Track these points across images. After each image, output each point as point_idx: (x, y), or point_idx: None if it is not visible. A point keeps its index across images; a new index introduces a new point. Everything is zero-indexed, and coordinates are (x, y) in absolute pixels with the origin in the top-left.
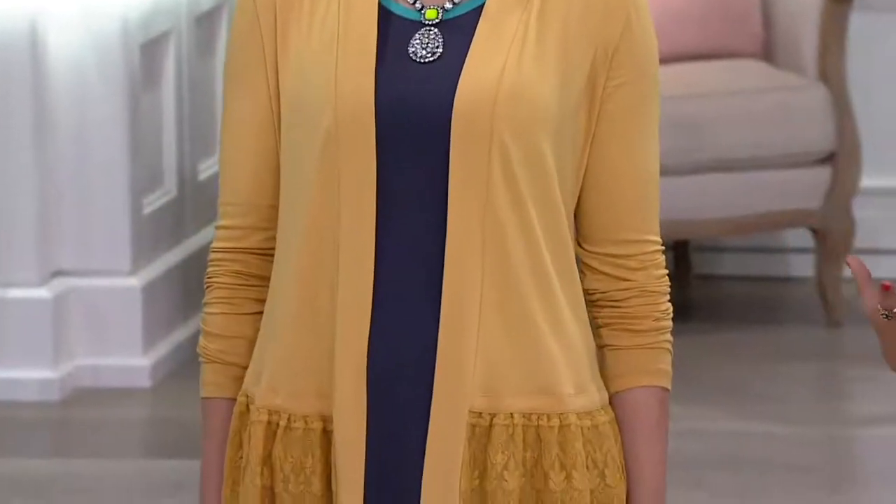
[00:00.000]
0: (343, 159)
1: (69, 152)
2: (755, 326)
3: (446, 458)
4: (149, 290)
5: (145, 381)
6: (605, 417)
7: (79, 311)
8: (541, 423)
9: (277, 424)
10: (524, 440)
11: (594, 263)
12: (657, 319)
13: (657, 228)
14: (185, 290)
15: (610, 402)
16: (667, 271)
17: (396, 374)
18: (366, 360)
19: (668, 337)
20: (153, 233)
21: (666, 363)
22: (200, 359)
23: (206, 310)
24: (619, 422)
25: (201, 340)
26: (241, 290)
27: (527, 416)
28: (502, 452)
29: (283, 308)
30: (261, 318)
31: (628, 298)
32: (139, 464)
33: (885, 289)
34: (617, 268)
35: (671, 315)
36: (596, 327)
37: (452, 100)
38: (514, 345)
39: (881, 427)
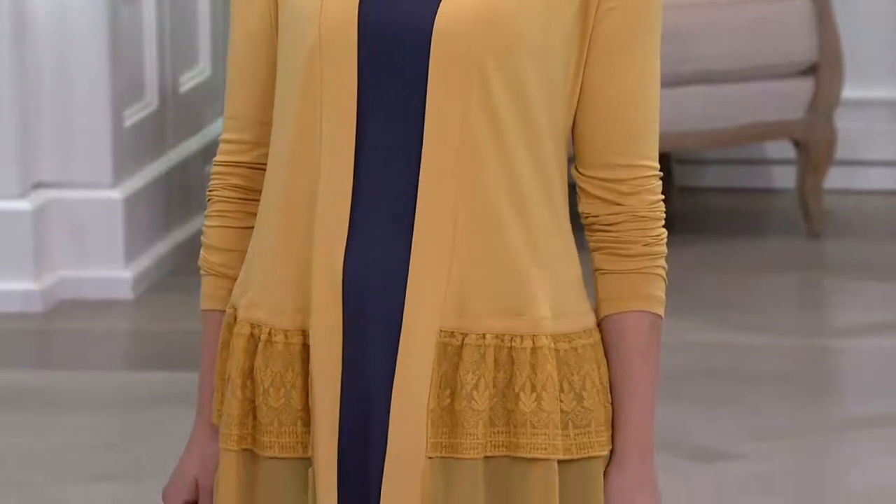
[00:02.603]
0: (325, 75)
1: (49, 64)
2: (737, 238)
3: (415, 376)
4: (130, 202)
5: (127, 294)
6: (585, 340)
7: (60, 223)
8: (513, 344)
9: (259, 338)
10: (495, 361)
11: (587, 187)
12: (648, 244)
13: (653, 154)
14: (166, 202)
15: (601, 326)
16: (662, 197)
17: (370, 290)
18: (341, 275)
19: (662, 263)
20: (134, 145)
21: (658, 289)
22: (201, 271)
23: (207, 223)
24: (608, 345)
25: (202, 253)
26: (241, 203)
27: (499, 336)
28: (473, 372)
29: (268, 222)
30: None
31: (619, 223)
32: (122, 376)
33: None
34: (609, 192)
35: (665, 241)
36: (590, 252)
37: (433, 21)
38: (488, 265)
39: (860, 338)
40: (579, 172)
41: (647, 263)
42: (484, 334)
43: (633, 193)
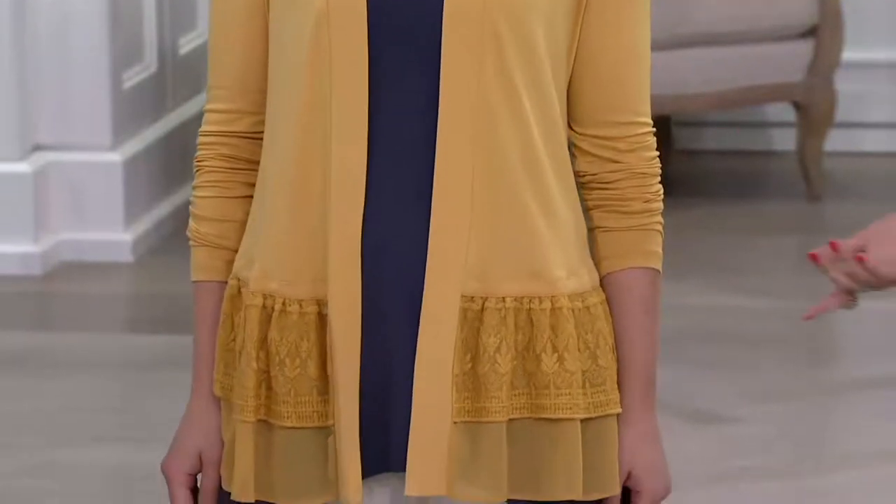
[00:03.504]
0: (335, 40)
1: (49, 27)
2: (736, 201)
3: (439, 342)
4: (130, 164)
5: (127, 256)
6: (595, 299)
7: (59, 186)
8: (532, 306)
9: (272, 308)
10: (516, 323)
11: (584, 146)
12: (647, 201)
13: (647, 110)
14: (166, 165)
15: (602, 284)
16: (657, 153)
17: (389, 257)
18: (359, 243)
19: (659, 219)
20: (134, 108)
21: (657, 245)
22: (191, 242)
23: (196, 193)
24: (611, 301)
25: (191, 224)
26: (231, 173)
27: (518, 299)
28: (494, 336)
29: (276, 194)
30: (250, 203)
31: (618, 180)
32: (121, 339)
33: (859, 259)
34: (606, 150)
35: (662, 197)
36: (587, 209)
37: None
38: (506, 229)
39: (861, 299)
40: (576, 132)
41: (646, 220)
42: (504, 297)
43: (631, 150)
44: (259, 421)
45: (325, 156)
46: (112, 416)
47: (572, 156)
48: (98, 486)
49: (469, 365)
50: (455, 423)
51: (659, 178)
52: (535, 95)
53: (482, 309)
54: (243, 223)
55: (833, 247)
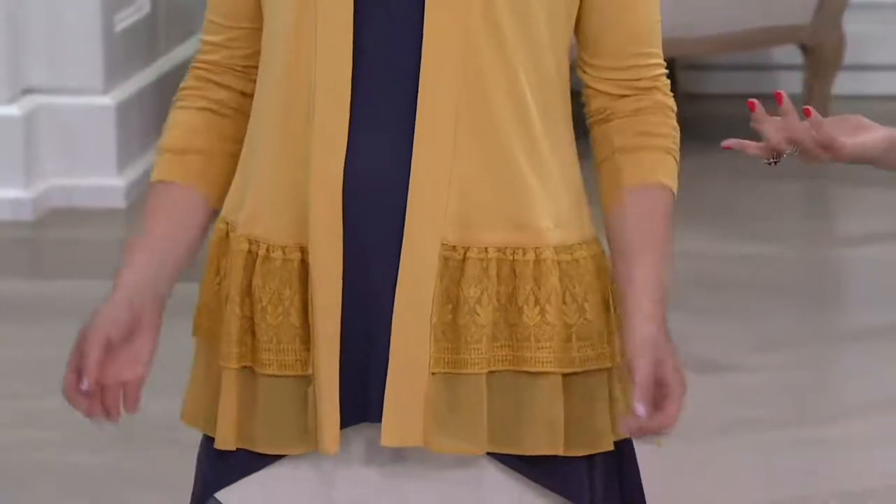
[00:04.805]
0: None
1: None
2: None
3: (417, 291)
4: (123, 108)
5: (120, 202)
6: (585, 252)
7: (51, 130)
8: (516, 257)
9: (256, 254)
10: (498, 274)
11: (603, 87)
12: (669, 134)
13: (660, 51)
14: (159, 108)
15: (623, 198)
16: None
17: (371, 202)
18: (341, 187)
19: (678, 150)
20: (126, 51)
21: (675, 172)
22: (156, 154)
23: (175, 109)
24: (630, 211)
25: (161, 139)
26: (213, 95)
27: (501, 250)
28: (475, 286)
29: (263, 138)
30: (228, 123)
31: (642, 114)
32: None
33: (807, 113)
34: (628, 89)
35: (678, 135)
36: (605, 138)
37: None
38: (490, 177)
39: (865, 246)
40: (593, 75)
41: (671, 145)
42: (486, 248)
43: (653, 88)
44: (244, 368)
45: (309, 99)
46: None
47: (589, 97)
48: (84, 435)
49: (450, 316)
50: (433, 373)
51: (675, 118)
52: (525, 46)
53: (464, 259)
54: (217, 138)
55: (778, 97)
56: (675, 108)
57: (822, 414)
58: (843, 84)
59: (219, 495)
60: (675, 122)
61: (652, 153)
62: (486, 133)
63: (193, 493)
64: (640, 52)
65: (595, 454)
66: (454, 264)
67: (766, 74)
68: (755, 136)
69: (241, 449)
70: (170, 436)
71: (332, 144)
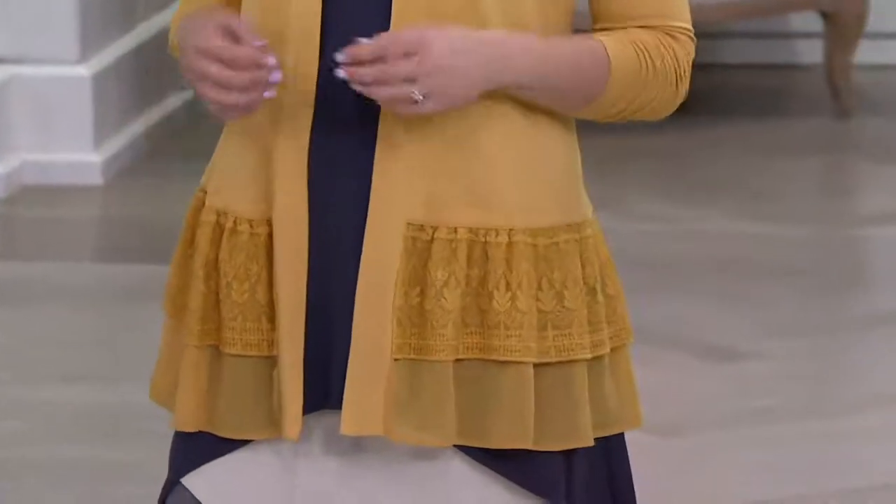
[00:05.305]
0: None
1: None
2: (757, 118)
3: (380, 271)
4: (99, 79)
5: (97, 178)
6: (570, 235)
7: (23, 102)
8: (488, 238)
9: (224, 227)
10: (469, 257)
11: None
12: (655, 47)
13: (687, 16)
14: (139, 79)
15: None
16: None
17: (338, 176)
18: (306, 158)
19: (677, 87)
20: (102, 17)
21: (631, 68)
22: (171, 43)
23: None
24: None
25: (170, 34)
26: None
27: (473, 231)
28: (443, 269)
29: None
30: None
31: (639, 33)
32: (91, 268)
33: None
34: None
35: (686, 82)
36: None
37: None
38: (459, 154)
39: (889, 226)
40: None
41: (647, 53)
42: (456, 228)
43: (674, 40)
44: (210, 347)
45: (282, 45)
46: (82, 352)
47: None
48: (68, 426)
49: (417, 299)
50: (396, 359)
51: (687, 75)
52: (502, 9)
53: (432, 239)
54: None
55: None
56: (682, 58)
57: (835, 406)
58: (866, 52)
59: (184, 480)
60: (672, 59)
61: (622, 37)
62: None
63: (166, 479)
64: (657, 17)
65: (575, 450)
66: (422, 245)
67: (783, 43)
68: (770, 106)
69: (206, 432)
70: (155, 427)
71: (298, 117)
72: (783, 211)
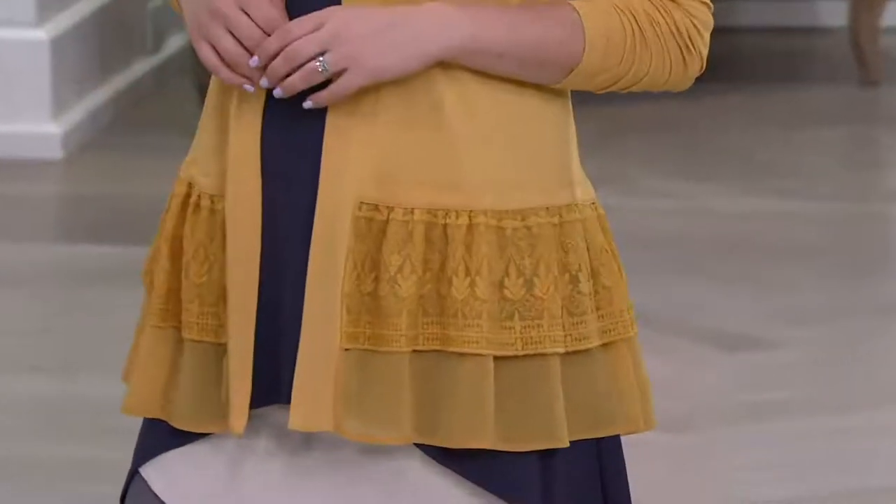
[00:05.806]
0: None
1: None
2: (777, 86)
3: (329, 255)
4: (58, 43)
5: (56, 152)
6: (546, 219)
7: None
8: (448, 220)
9: (189, 201)
10: (427, 240)
11: None
12: (646, 13)
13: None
14: (101, 45)
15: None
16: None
17: (291, 150)
18: (259, 130)
19: (672, 39)
20: None
21: (609, 32)
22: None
23: None
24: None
25: None
26: None
27: (431, 212)
28: (398, 253)
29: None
30: None
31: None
32: (49, 249)
33: None
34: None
35: (696, 53)
36: None
37: None
38: (415, 127)
39: None
40: None
41: (631, 16)
42: (412, 209)
43: (675, 4)
44: (173, 328)
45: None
46: (41, 339)
47: None
48: (28, 420)
49: (372, 286)
50: (347, 350)
51: (702, 58)
52: None
53: (387, 220)
54: None
55: None
56: (684, 25)
57: (865, 398)
58: (894, 15)
59: (142, 470)
60: (670, 26)
61: (604, 2)
62: (410, 77)
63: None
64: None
65: (554, 451)
66: (377, 227)
67: (805, 4)
68: (791, 73)
69: (164, 421)
70: (113, 422)
71: (252, 95)
72: (802, 186)
